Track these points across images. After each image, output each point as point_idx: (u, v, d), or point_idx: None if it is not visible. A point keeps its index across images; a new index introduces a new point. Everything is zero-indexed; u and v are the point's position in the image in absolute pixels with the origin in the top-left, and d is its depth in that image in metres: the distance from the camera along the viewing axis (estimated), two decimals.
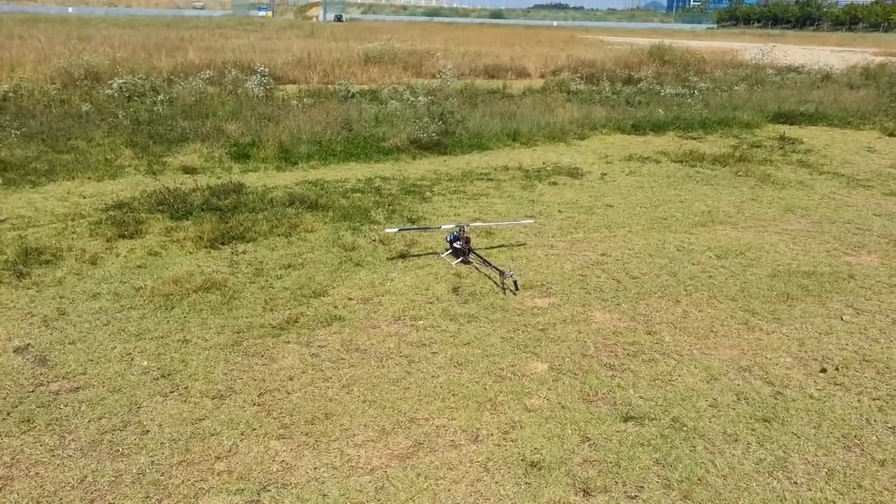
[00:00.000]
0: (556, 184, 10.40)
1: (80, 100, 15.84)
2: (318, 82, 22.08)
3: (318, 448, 3.99)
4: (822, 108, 18.16)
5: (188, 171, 10.54)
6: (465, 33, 52.52)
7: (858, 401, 4.63)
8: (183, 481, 3.67)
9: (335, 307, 5.93)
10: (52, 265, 6.67)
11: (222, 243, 7.39)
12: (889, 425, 4.35)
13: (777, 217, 8.97)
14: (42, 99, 15.59)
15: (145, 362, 4.91)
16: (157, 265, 6.78)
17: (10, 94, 15.45)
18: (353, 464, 3.85)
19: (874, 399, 4.65)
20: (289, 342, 5.28)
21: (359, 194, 9.46)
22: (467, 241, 7.07)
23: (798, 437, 4.19)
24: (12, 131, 11.95)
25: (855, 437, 4.22)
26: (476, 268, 6.91)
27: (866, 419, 4.41)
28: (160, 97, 15.96)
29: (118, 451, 3.92)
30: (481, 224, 7.76)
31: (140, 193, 9.09)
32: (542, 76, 26.18)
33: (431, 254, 7.28)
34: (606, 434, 4.18)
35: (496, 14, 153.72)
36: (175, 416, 4.28)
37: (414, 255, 7.24)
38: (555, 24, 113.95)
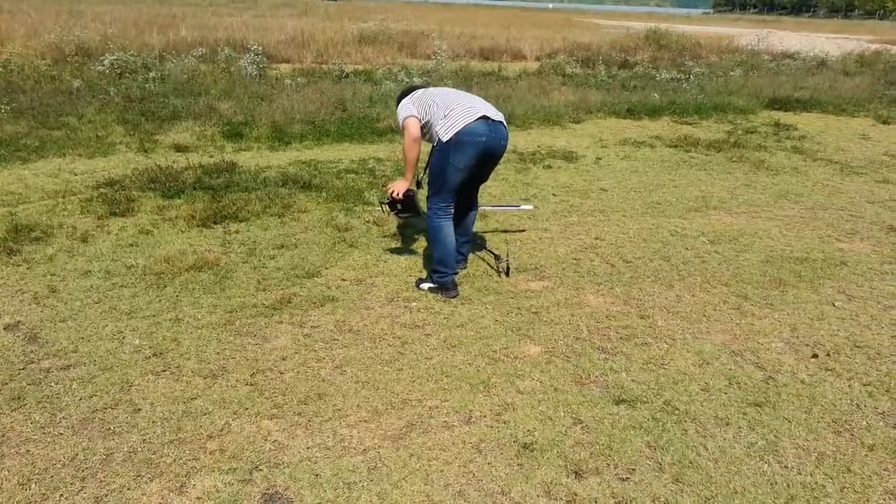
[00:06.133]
0: (550, 167, 10.37)
1: (70, 76, 15.66)
2: (312, 62, 21.91)
3: (310, 428, 3.98)
4: (817, 95, 18.14)
5: (180, 149, 10.45)
6: (460, 14, 52.09)
7: (849, 386, 4.65)
8: (174, 460, 3.65)
9: (328, 288, 5.91)
10: (43, 242, 6.62)
11: (215, 222, 7.34)
12: (879, 410, 4.38)
13: (770, 203, 8.98)
14: (32, 75, 15.41)
15: (137, 341, 4.88)
16: (148, 243, 6.73)
17: (0, 70, 15.26)
18: (346, 444, 3.85)
19: (864, 385, 4.68)
20: (281, 322, 5.26)
21: (353, 175, 9.40)
22: None
23: (789, 421, 4.21)
24: (2, 107, 11.81)
25: (845, 422, 4.24)
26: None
27: (856, 404, 4.44)
28: (152, 74, 15.80)
29: (109, 429, 3.90)
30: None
31: (132, 171, 9.01)
32: (537, 59, 26.01)
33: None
34: (598, 417, 4.19)
35: None
36: (167, 394, 4.26)
37: (408, 237, 7.21)
38: (550, 6, 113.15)
